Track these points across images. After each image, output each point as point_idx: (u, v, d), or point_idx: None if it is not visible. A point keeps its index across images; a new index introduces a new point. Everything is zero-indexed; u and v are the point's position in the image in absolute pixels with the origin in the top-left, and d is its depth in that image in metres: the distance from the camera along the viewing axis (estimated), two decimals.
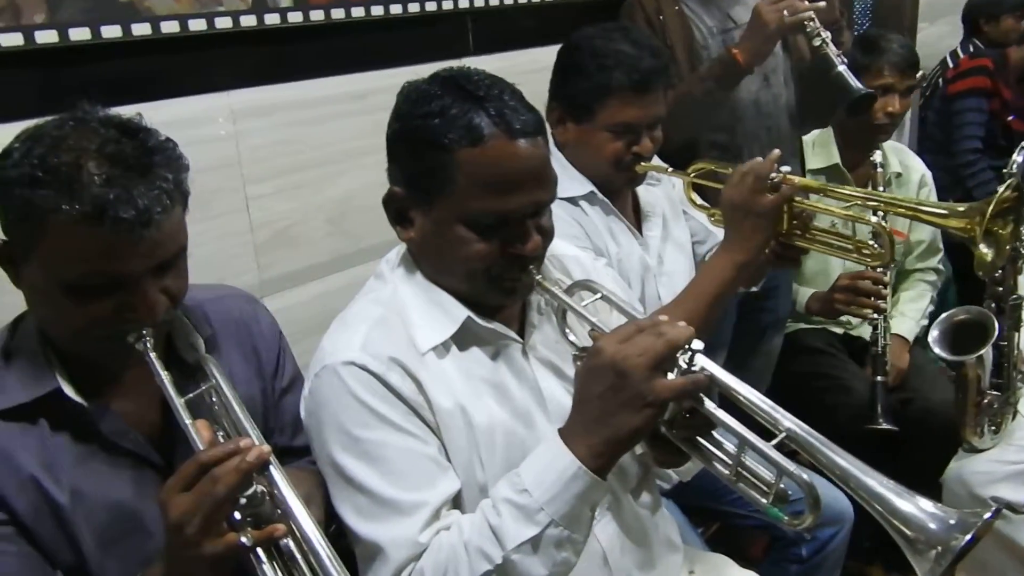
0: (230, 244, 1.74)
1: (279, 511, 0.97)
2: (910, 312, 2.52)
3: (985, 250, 1.36)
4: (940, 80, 3.82)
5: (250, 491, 0.94)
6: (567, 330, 1.22)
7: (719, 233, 1.60)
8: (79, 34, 1.47)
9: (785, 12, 1.85)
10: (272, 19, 1.73)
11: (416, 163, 1.12)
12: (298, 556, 0.96)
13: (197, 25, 1.62)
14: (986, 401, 2.08)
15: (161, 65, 1.61)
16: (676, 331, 0.99)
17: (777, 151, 1.51)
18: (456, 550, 1.02)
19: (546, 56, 1.77)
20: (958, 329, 2.13)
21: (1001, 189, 1.37)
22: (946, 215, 1.41)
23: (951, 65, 3.76)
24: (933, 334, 2.15)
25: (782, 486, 1.01)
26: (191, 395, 1.07)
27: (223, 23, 1.65)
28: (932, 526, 0.92)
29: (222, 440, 1.04)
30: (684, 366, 1.00)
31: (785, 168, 1.49)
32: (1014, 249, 1.78)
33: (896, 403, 2.25)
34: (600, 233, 1.71)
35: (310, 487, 1.14)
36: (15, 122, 1.11)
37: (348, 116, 1.88)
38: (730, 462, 1.05)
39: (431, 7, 2.02)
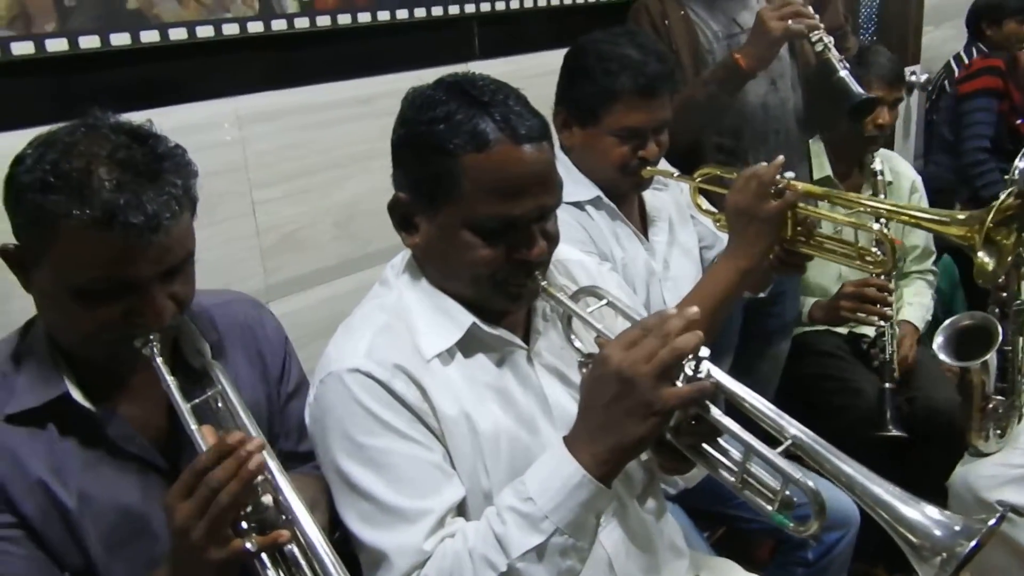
0: (236, 248, 1.74)
1: (284, 517, 0.98)
2: (916, 302, 2.54)
3: (986, 258, 1.34)
4: (946, 83, 3.81)
5: (255, 499, 0.95)
6: (572, 336, 1.21)
7: (727, 238, 1.59)
8: (89, 42, 1.48)
9: (789, 19, 1.85)
10: (279, 25, 1.73)
11: (421, 169, 1.12)
12: (302, 562, 0.97)
13: (205, 32, 1.62)
14: (991, 406, 2.10)
15: (169, 71, 1.62)
16: (683, 339, 0.98)
17: (781, 157, 1.51)
18: (461, 558, 1.02)
19: (552, 60, 1.77)
20: (963, 335, 2.14)
21: (1002, 197, 1.35)
22: (947, 222, 1.41)
23: (956, 68, 3.76)
24: (938, 340, 2.16)
25: (788, 493, 1.00)
26: (197, 400, 1.08)
27: (230, 29, 1.66)
28: (937, 533, 0.92)
29: None
30: (690, 373, 0.99)
31: (789, 174, 1.49)
32: (1018, 256, 1.77)
33: (902, 402, 2.25)
34: (605, 238, 1.70)
35: (315, 493, 1.14)
36: (27, 128, 1.12)
37: (354, 120, 1.88)
38: (736, 469, 1.04)
39: (437, 12, 2.02)
